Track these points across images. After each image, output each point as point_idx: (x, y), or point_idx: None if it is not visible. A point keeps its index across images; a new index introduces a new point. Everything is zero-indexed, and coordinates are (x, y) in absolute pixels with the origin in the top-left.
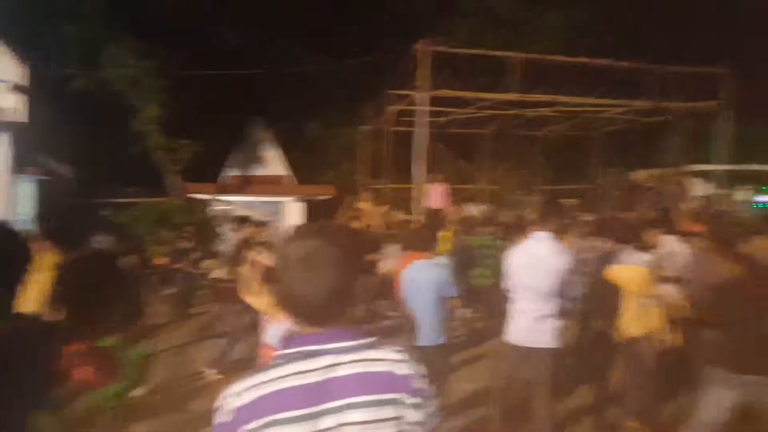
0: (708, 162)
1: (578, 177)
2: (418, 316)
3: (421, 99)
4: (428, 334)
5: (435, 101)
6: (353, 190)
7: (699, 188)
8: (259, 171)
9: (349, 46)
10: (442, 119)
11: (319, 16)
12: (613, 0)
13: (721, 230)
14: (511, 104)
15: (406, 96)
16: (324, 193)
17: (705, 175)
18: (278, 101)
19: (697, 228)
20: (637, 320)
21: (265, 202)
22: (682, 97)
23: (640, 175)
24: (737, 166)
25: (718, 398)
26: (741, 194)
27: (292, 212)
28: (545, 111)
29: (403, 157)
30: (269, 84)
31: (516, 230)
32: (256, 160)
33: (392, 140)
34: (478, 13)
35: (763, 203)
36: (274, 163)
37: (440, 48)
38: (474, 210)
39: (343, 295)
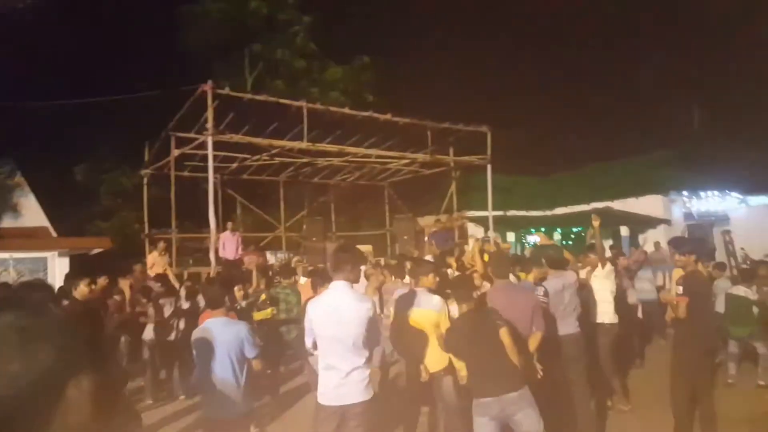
0: (478, 209)
1: (371, 224)
2: (214, 383)
3: (209, 143)
4: (227, 402)
5: (224, 146)
6: (135, 241)
7: (474, 231)
8: (11, 222)
9: (123, 82)
10: (233, 165)
11: (89, 50)
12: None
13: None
14: (302, 152)
15: (193, 140)
16: (97, 246)
17: (478, 221)
18: (33, 140)
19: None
20: (436, 358)
21: (22, 259)
22: (456, 151)
23: (426, 220)
24: (503, 211)
25: (478, 427)
26: (512, 236)
27: (58, 269)
28: (335, 161)
29: (190, 204)
30: (18, 121)
31: (317, 279)
32: (6, 209)
33: (178, 186)
34: (267, 60)
35: (533, 242)
36: (30, 212)
37: (227, 91)
38: (273, 258)
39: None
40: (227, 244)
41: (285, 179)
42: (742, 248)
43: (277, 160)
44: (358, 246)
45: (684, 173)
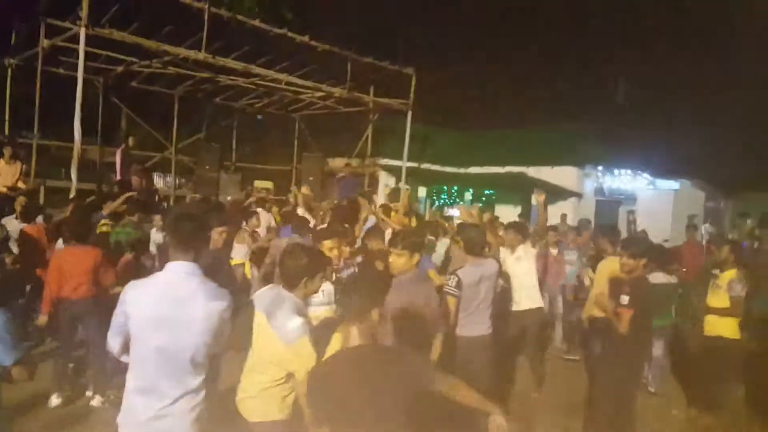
0: (392, 157)
1: (276, 158)
2: None
3: (81, 36)
4: None
5: (108, 45)
6: None
7: (386, 182)
8: None
9: None
10: (119, 69)
11: None
12: None
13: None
14: (202, 66)
15: (67, 29)
16: None
17: (390, 170)
18: None
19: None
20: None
21: None
22: (377, 92)
23: (336, 162)
24: (417, 163)
25: None
26: (423, 191)
27: None
28: (241, 81)
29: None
30: None
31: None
32: None
33: (51, 85)
34: None
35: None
36: None
37: None
38: (161, 183)
39: None
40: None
41: (180, 94)
42: (644, 230)
43: (172, 70)
44: (258, 181)
45: (601, 147)
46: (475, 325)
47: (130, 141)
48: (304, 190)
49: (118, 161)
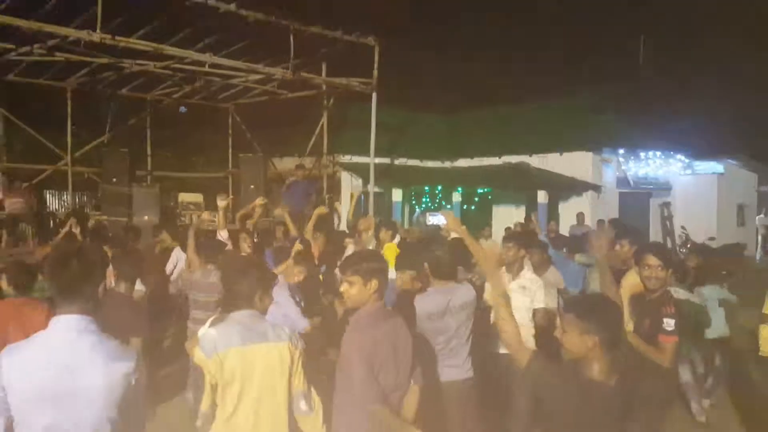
0: (357, 153)
1: (205, 162)
2: None
3: None
4: None
5: None
6: None
7: (351, 184)
8: None
9: None
10: None
11: None
12: None
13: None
14: (99, 49)
15: None
16: None
17: (355, 170)
18: None
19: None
20: None
21: None
22: (332, 70)
23: (284, 164)
24: (389, 159)
25: None
26: (398, 194)
27: None
28: (152, 66)
29: None
30: None
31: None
32: None
33: None
34: None
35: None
36: None
37: None
38: (55, 203)
39: None
40: None
41: (74, 86)
42: (683, 228)
43: (60, 56)
44: (184, 194)
45: (621, 124)
46: (445, 368)
47: None
48: (220, 203)
49: None
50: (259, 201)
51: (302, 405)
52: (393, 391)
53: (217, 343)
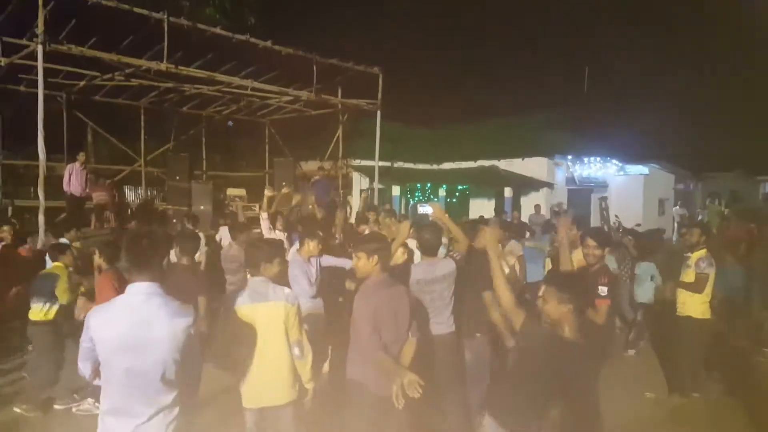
0: (365, 157)
1: (247, 164)
2: None
3: (39, 52)
4: None
5: (68, 60)
6: None
7: (360, 182)
8: None
9: None
10: (81, 84)
11: None
12: None
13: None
14: (165, 76)
15: (24, 47)
16: None
17: (363, 171)
18: None
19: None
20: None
21: None
22: (345, 93)
23: (309, 166)
24: (390, 162)
25: None
26: (397, 190)
27: None
28: (206, 89)
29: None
30: None
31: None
32: None
33: (12, 102)
34: None
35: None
36: None
37: None
38: (132, 196)
39: None
40: (74, 177)
41: (146, 105)
42: (616, 216)
43: (135, 82)
44: (231, 189)
45: (569, 136)
46: (433, 324)
47: (81, 156)
48: (268, 192)
49: (66, 176)
50: (284, 190)
51: (296, 351)
52: (393, 342)
53: (236, 300)
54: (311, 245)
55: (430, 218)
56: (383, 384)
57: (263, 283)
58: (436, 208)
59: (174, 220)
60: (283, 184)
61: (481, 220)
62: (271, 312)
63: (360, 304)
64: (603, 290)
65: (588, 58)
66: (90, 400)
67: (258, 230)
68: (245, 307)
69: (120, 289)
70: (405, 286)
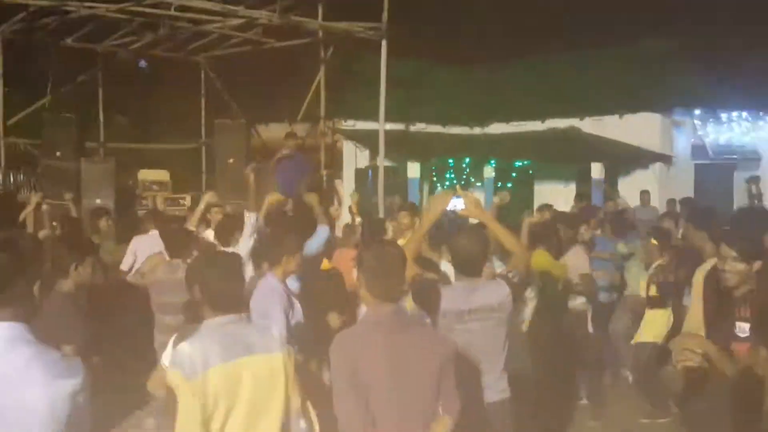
0: (362, 117)
1: (173, 131)
2: None
3: None
4: None
5: None
6: None
7: (355, 157)
8: None
9: None
10: None
11: None
12: None
13: None
14: None
15: None
16: None
17: (360, 138)
18: None
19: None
20: None
21: None
22: (330, 13)
23: (271, 132)
24: (404, 125)
25: None
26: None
27: None
28: (103, 8)
29: None
30: None
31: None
32: None
33: None
34: None
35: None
36: None
37: None
38: None
39: None
40: None
41: (7, 35)
42: None
43: None
44: (145, 171)
45: (698, 80)
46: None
47: None
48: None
49: None
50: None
51: (302, 424)
52: (398, 417)
53: (196, 363)
54: (290, 261)
55: (460, 215)
56: None
57: (241, 325)
58: (470, 199)
59: (54, 223)
60: (230, 162)
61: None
62: (262, 371)
63: (334, 356)
64: (743, 328)
65: None
66: None
67: None
68: (216, 370)
69: None
70: (431, 329)
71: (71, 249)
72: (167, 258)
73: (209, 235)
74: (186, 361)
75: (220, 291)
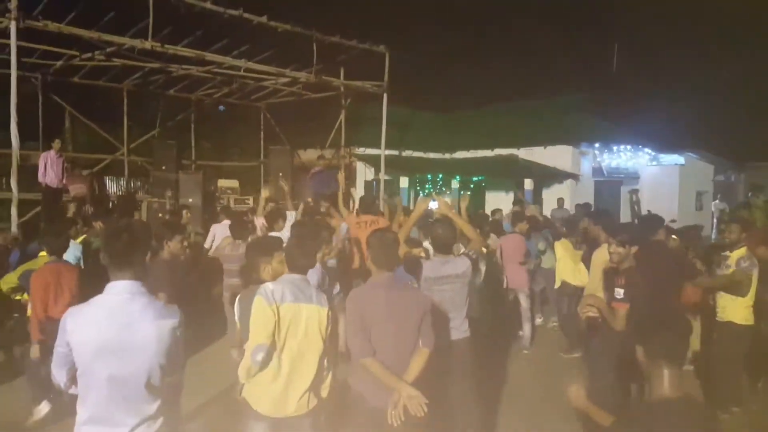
0: (370, 145)
1: (240, 153)
2: None
3: (12, 29)
4: None
5: (43, 38)
6: None
7: (365, 173)
8: None
9: None
10: (58, 64)
11: None
12: None
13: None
14: (150, 55)
15: None
16: None
17: (368, 160)
18: None
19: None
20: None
21: None
22: (348, 74)
23: (308, 155)
24: (398, 151)
25: None
26: (405, 181)
27: None
28: (195, 70)
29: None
30: None
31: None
32: None
33: None
34: None
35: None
36: None
37: None
38: (113, 187)
39: None
40: (50, 167)
41: (129, 87)
42: (649, 211)
43: (117, 62)
44: (222, 180)
45: (597, 122)
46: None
47: (57, 143)
48: (265, 193)
49: (41, 166)
50: (281, 182)
51: (325, 362)
52: (394, 351)
53: (275, 296)
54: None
55: (435, 214)
56: (381, 395)
57: (305, 283)
58: (441, 202)
59: (160, 215)
60: (280, 174)
61: (495, 213)
62: (313, 316)
63: (348, 305)
64: (619, 292)
65: (617, 33)
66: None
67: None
68: (288, 306)
69: (56, 286)
70: (416, 289)
71: (166, 230)
72: (233, 239)
73: (261, 222)
74: (269, 294)
75: (296, 257)
